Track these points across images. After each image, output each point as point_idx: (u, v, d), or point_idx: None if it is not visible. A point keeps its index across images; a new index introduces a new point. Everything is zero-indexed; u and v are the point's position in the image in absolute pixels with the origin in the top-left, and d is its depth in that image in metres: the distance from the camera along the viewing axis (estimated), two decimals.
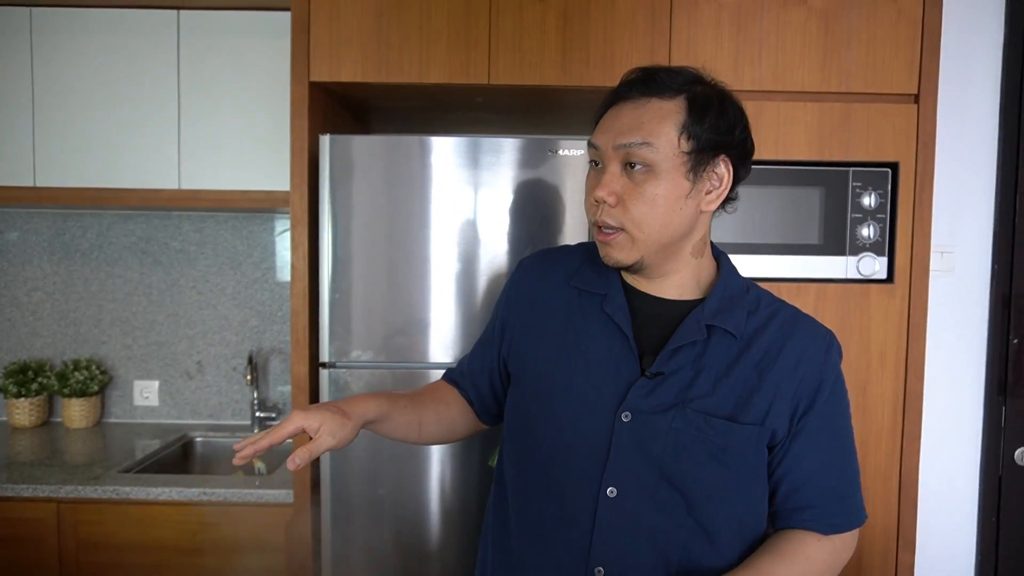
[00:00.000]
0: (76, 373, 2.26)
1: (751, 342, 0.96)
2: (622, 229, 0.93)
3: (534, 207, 1.65)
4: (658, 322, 0.98)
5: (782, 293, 1.64)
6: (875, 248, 1.65)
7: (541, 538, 0.99)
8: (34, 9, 1.98)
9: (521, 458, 1.03)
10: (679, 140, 0.91)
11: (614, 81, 1.62)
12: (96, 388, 2.29)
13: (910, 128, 1.63)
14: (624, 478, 0.94)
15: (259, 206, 2.04)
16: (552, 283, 1.05)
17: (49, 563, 1.74)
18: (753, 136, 1.43)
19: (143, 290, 2.36)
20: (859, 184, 1.64)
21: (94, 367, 2.30)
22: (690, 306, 0.98)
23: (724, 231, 1.65)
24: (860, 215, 1.65)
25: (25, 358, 2.35)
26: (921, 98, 1.63)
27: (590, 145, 0.97)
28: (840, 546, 0.98)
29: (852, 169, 1.64)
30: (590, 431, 0.95)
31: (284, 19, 1.69)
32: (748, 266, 1.66)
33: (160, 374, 2.38)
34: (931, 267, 1.69)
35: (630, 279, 1.01)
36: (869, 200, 1.64)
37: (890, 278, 1.66)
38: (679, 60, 1.63)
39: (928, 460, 1.91)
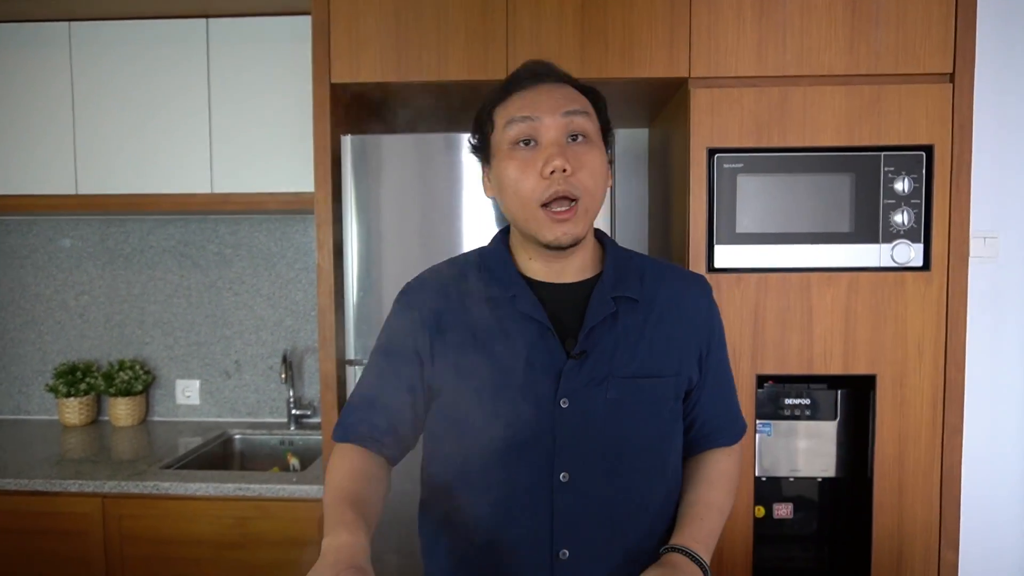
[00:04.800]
0: (121, 373, 2.34)
1: (652, 303, 1.05)
2: (577, 200, 0.96)
3: None
4: (568, 305, 1.03)
5: (812, 283, 1.60)
6: (910, 235, 1.59)
7: (500, 536, 1.02)
8: (72, 23, 2.06)
9: (465, 468, 1.03)
10: (596, 117, 1.00)
11: (635, 71, 1.63)
12: (140, 387, 2.37)
13: (945, 109, 1.56)
14: (574, 461, 1.00)
15: (288, 207, 2.08)
16: (453, 300, 1.05)
17: (95, 555, 1.81)
18: (779, 123, 1.57)
19: (183, 292, 2.44)
20: (891, 169, 1.58)
21: (138, 367, 2.38)
22: (590, 284, 1.04)
23: (751, 221, 1.61)
24: (893, 201, 1.59)
25: (74, 359, 2.45)
26: (956, 77, 1.56)
27: (520, 119, 0.96)
28: (738, 451, 1.15)
29: (884, 153, 1.59)
30: (534, 424, 0.99)
31: (307, 23, 1.72)
32: (777, 256, 1.62)
33: (200, 373, 2.45)
34: (972, 253, 1.63)
35: (532, 273, 1.05)
36: (902, 185, 1.58)
37: (926, 265, 1.60)
38: (700, 47, 1.61)
39: (971, 454, 1.84)
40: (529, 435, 0.99)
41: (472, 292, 1.04)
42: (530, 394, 0.99)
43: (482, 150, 1.04)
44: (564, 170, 0.94)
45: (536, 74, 0.99)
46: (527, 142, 0.97)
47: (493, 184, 1.03)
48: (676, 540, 1.02)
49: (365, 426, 1.06)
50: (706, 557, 1.00)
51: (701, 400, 1.10)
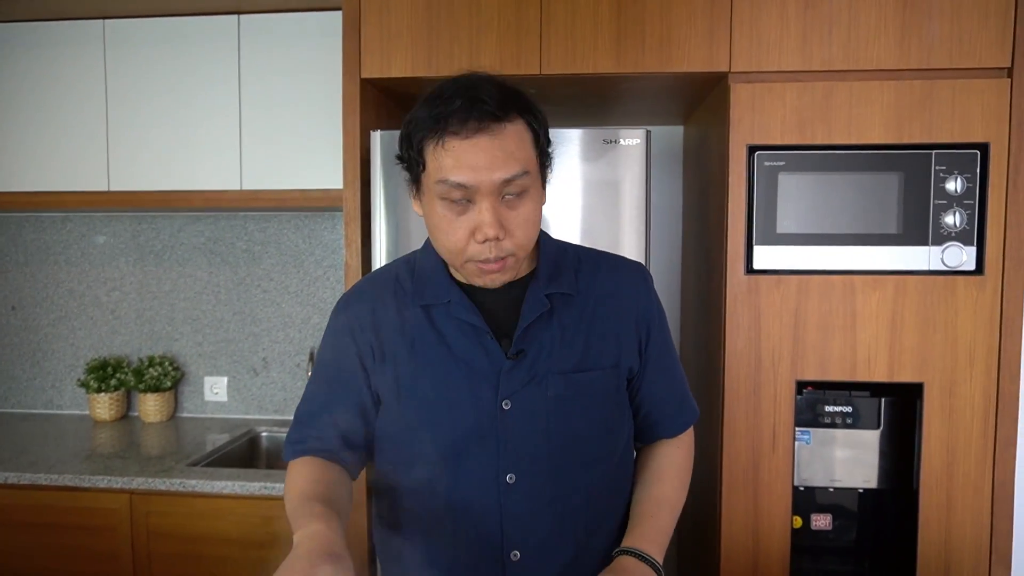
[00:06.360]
0: (151, 369, 2.35)
1: (588, 296, 1.04)
2: (511, 255, 0.94)
3: (594, 199, 1.60)
4: (504, 307, 1.02)
5: (856, 286, 1.54)
6: (962, 237, 1.52)
7: (452, 540, 1.02)
8: (107, 21, 2.07)
9: (413, 474, 1.03)
10: (537, 158, 0.96)
11: (672, 66, 1.58)
12: (169, 384, 2.38)
13: (1002, 105, 1.49)
14: (519, 462, 0.99)
15: (317, 204, 2.06)
16: (390, 310, 1.04)
17: (122, 551, 1.81)
18: (823, 119, 1.52)
19: (212, 289, 2.44)
20: (943, 168, 1.51)
21: (167, 363, 2.39)
22: (525, 283, 1.03)
23: (792, 221, 1.55)
24: (944, 201, 1.52)
25: (105, 355, 2.47)
26: (1015, 72, 1.48)
27: (451, 184, 0.89)
28: (688, 440, 1.15)
29: (935, 152, 1.51)
30: (478, 427, 0.99)
31: (338, 18, 1.70)
32: (819, 258, 1.55)
33: (228, 370, 2.45)
34: None
35: (465, 279, 1.02)
36: (955, 185, 1.51)
37: (979, 269, 1.52)
38: (741, 40, 1.55)
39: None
40: (474, 439, 0.99)
41: (408, 300, 1.04)
42: (472, 398, 0.99)
43: (409, 171, 0.97)
44: (497, 237, 0.91)
45: (471, 116, 0.88)
46: (458, 200, 0.91)
47: (421, 209, 0.98)
48: (627, 541, 1.02)
49: (315, 440, 1.05)
50: (658, 556, 1.00)
51: (643, 388, 1.09)
